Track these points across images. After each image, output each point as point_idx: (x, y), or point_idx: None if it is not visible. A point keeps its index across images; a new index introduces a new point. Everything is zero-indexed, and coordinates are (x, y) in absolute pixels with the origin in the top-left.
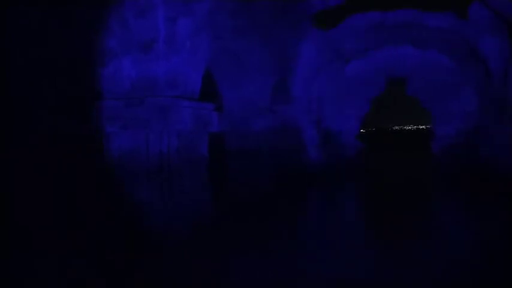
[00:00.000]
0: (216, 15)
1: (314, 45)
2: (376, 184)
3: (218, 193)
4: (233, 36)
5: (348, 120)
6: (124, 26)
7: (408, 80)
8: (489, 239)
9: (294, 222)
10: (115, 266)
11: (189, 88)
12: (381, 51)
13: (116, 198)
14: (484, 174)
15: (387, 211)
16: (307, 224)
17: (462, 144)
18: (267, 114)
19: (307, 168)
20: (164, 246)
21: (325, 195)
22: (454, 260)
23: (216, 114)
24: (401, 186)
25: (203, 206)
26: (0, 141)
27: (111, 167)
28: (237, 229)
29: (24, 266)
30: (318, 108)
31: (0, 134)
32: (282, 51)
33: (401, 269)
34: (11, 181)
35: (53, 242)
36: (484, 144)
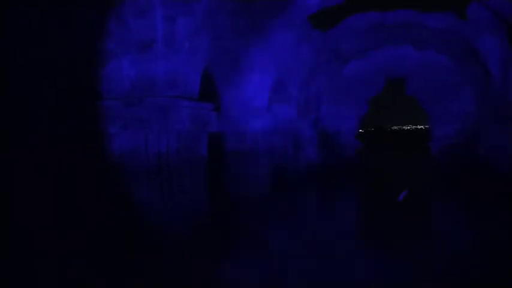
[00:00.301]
0: (215, 15)
1: (313, 45)
2: (375, 184)
3: (217, 193)
4: (232, 36)
5: (347, 120)
6: (123, 26)
7: (407, 80)
8: (489, 239)
9: (292, 222)
10: (115, 265)
11: (188, 88)
12: (380, 51)
13: (116, 198)
14: (483, 174)
15: (386, 211)
16: (306, 224)
17: (461, 144)
18: (266, 114)
19: (305, 169)
20: (163, 246)
21: (324, 195)
22: (453, 260)
23: (215, 114)
24: (400, 186)
25: (202, 206)
26: (0, 141)
27: (111, 167)
28: (235, 229)
29: (24, 266)
30: (317, 109)
31: (0, 134)
32: (281, 52)
33: (401, 269)
34: (11, 181)
35: (53, 242)
36: (483, 144)
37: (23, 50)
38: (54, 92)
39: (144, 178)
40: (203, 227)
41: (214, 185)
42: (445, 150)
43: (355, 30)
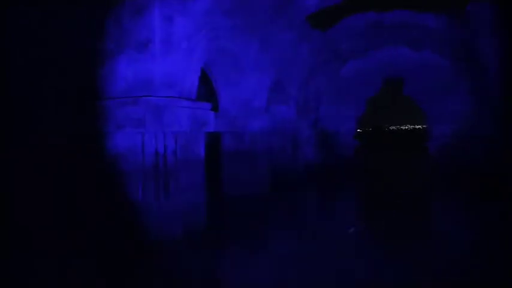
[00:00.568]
0: (213, 15)
1: (311, 45)
2: (374, 184)
3: (215, 193)
4: (230, 36)
5: (345, 120)
6: (121, 26)
7: (405, 80)
8: (488, 239)
9: (291, 223)
10: (114, 265)
11: (186, 88)
12: (379, 51)
13: (115, 198)
14: (480, 174)
15: (386, 211)
16: (304, 224)
17: (458, 144)
18: (264, 114)
19: (304, 169)
20: (161, 247)
21: (323, 195)
22: (453, 260)
23: (212, 114)
24: (399, 185)
25: (199, 206)
26: (0, 141)
27: (110, 167)
28: (233, 230)
29: (24, 266)
30: (315, 109)
31: (0, 134)
32: (279, 52)
33: (401, 269)
34: (11, 181)
35: (53, 242)
36: (481, 144)
37: (23, 50)
38: (54, 92)
39: (141, 178)
40: (200, 228)
41: (212, 185)
42: (443, 150)
43: (353, 30)
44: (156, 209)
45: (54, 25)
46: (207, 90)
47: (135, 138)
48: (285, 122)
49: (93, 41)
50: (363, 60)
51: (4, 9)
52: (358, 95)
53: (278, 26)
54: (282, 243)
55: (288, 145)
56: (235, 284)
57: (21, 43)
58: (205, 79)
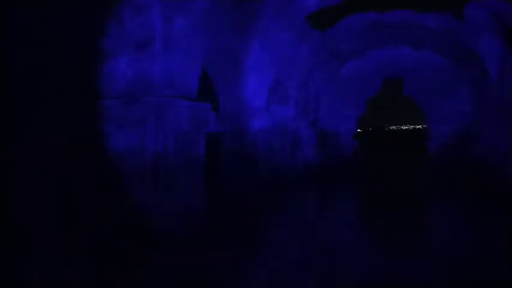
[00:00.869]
0: (214, 14)
1: (311, 45)
2: (374, 184)
3: (215, 192)
4: (231, 36)
5: (345, 120)
6: (121, 25)
7: (405, 80)
8: (487, 239)
9: (290, 222)
10: (114, 265)
11: (186, 88)
12: (378, 51)
13: (115, 198)
14: (479, 173)
15: (385, 211)
16: (304, 223)
17: (458, 143)
18: (264, 114)
19: (304, 168)
20: (161, 246)
21: (322, 195)
22: (453, 260)
23: (213, 114)
24: (399, 185)
25: (199, 206)
26: (0, 141)
27: (110, 166)
28: (233, 229)
29: (24, 266)
30: (315, 109)
31: (0, 134)
32: (280, 51)
33: (401, 269)
34: (11, 181)
35: (53, 241)
36: (480, 143)
37: (23, 50)
38: (54, 92)
39: (141, 178)
40: (200, 227)
41: (212, 185)
42: (443, 149)
43: (353, 30)
44: (156, 209)
45: (54, 25)
46: (207, 90)
47: (135, 138)
48: (285, 121)
49: (93, 41)
50: (363, 60)
51: (4, 9)
52: (358, 95)
53: (278, 26)
54: (282, 243)
55: (288, 145)
56: (235, 284)
57: (21, 43)
58: (205, 79)
